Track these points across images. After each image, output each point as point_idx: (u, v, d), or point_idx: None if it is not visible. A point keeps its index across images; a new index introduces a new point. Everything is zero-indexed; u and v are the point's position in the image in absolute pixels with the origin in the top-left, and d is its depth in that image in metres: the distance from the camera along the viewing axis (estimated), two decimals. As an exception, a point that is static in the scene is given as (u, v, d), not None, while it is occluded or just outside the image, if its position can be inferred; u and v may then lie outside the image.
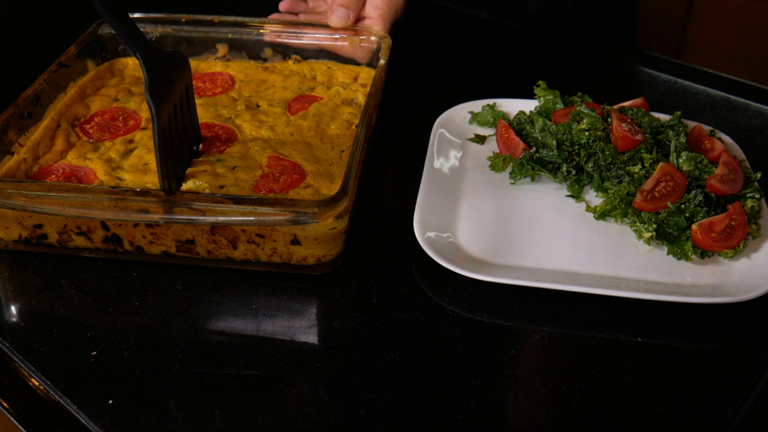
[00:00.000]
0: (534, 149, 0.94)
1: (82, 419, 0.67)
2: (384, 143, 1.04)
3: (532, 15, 1.44)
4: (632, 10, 1.53)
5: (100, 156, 0.89)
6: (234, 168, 0.87)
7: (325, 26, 1.06)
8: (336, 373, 0.71)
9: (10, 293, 0.80)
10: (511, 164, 0.94)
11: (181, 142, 0.85)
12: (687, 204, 0.84)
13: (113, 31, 1.07)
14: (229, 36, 1.09)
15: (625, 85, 1.22)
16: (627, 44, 1.44)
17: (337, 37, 1.06)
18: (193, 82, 1.05)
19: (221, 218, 0.73)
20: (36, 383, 0.70)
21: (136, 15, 1.08)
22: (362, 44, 1.06)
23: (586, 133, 0.92)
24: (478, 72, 1.25)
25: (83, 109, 0.97)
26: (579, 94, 1.03)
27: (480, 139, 1.02)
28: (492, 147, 1.01)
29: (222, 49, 1.10)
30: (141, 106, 0.99)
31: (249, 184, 0.84)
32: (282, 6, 1.13)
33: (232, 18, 1.08)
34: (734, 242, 0.81)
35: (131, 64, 1.08)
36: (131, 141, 0.92)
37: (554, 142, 0.93)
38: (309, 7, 1.14)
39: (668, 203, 0.83)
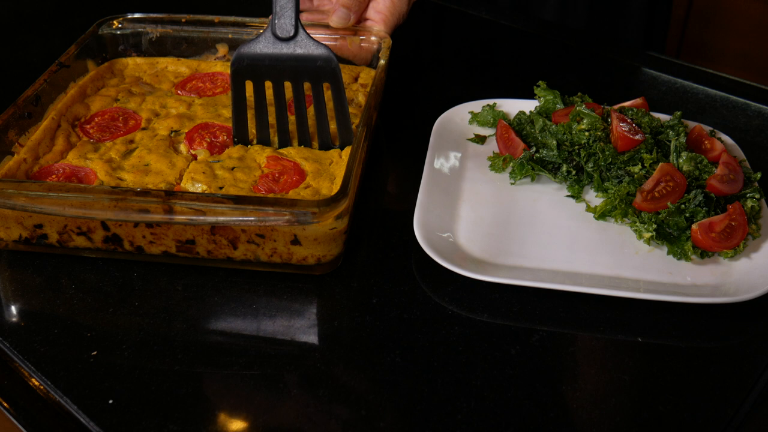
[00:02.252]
0: (534, 149, 0.94)
1: (82, 419, 0.67)
2: (384, 143, 1.04)
3: (545, 20, 1.45)
4: (660, 17, 1.53)
5: (101, 156, 0.89)
6: (233, 169, 0.87)
7: (326, 26, 1.06)
8: (336, 373, 0.71)
9: (10, 293, 0.80)
10: (511, 164, 0.94)
11: (283, 121, 0.90)
12: (687, 204, 0.84)
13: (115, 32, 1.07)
14: (230, 36, 1.09)
15: (625, 85, 1.22)
16: (645, 48, 1.44)
17: (337, 37, 1.06)
18: (193, 83, 1.06)
19: (221, 218, 0.73)
20: (36, 383, 0.70)
21: (136, 15, 1.08)
22: (362, 44, 1.06)
23: (586, 133, 0.92)
24: (478, 72, 1.25)
25: (83, 109, 0.97)
26: (579, 94, 1.03)
27: (480, 139, 1.02)
28: (492, 147, 1.01)
29: (222, 49, 1.10)
30: (141, 107, 0.99)
31: (248, 185, 0.84)
32: None
33: (232, 18, 1.08)
34: (734, 242, 0.81)
35: (131, 64, 1.08)
36: (131, 141, 0.92)
37: (554, 142, 0.93)
38: (314, 5, 1.14)
39: (668, 203, 0.83)
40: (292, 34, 0.87)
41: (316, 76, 0.88)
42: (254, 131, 0.91)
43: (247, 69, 0.88)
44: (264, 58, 0.88)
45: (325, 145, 0.90)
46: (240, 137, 0.91)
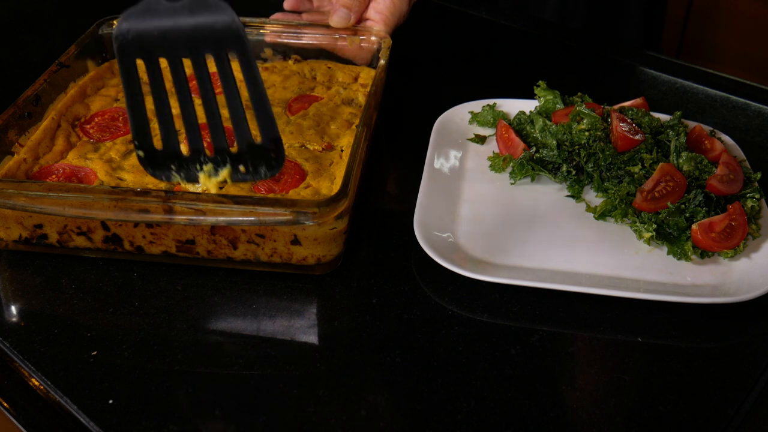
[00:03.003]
0: (534, 149, 0.94)
1: (82, 419, 0.67)
2: (384, 143, 1.04)
3: (545, 20, 1.45)
4: (657, 16, 1.54)
5: (101, 156, 0.89)
6: (234, 168, 0.87)
7: (326, 26, 1.06)
8: (336, 373, 0.71)
9: (10, 293, 0.80)
10: (511, 164, 0.94)
11: (190, 116, 0.71)
12: (687, 204, 0.84)
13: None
14: (230, 36, 1.08)
15: (625, 85, 1.22)
16: (644, 48, 1.44)
17: (338, 37, 1.06)
18: (194, 83, 1.04)
19: (221, 218, 0.73)
20: (36, 383, 0.70)
21: (137, 15, 1.08)
22: (362, 44, 1.06)
23: (586, 133, 0.92)
24: (478, 72, 1.25)
25: (83, 109, 0.97)
26: (579, 94, 1.03)
27: (480, 139, 1.02)
28: (492, 147, 1.01)
29: (222, 49, 1.09)
30: (141, 106, 0.99)
31: (248, 185, 0.84)
32: (287, 4, 1.13)
33: (232, 18, 1.07)
34: (734, 242, 0.81)
35: (131, 64, 1.08)
36: (132, 141, 0.92)
37: (554, 142, 0.93)
38: (314, 6, 1.14)
39: (668, 203, 0.83)
40: None
41: (218, 44, 0.70)
42: (157, 132, 0.72)
43: (135, 44, 0.69)
44: (154, 29, 0.69)
45: (245, 143, 0.71)
46: (142, 141, 0.71)
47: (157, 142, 0.72)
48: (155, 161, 0.72)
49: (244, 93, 0.70)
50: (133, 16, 0.69)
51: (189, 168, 0.72)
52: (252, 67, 0.70)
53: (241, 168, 0.72)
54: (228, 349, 0.73)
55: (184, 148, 0.72)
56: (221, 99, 0.71)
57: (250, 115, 0.71)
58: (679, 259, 0.82)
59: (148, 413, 0.67)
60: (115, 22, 1.07)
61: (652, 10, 1.50)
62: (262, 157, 0.71)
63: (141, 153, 0.72)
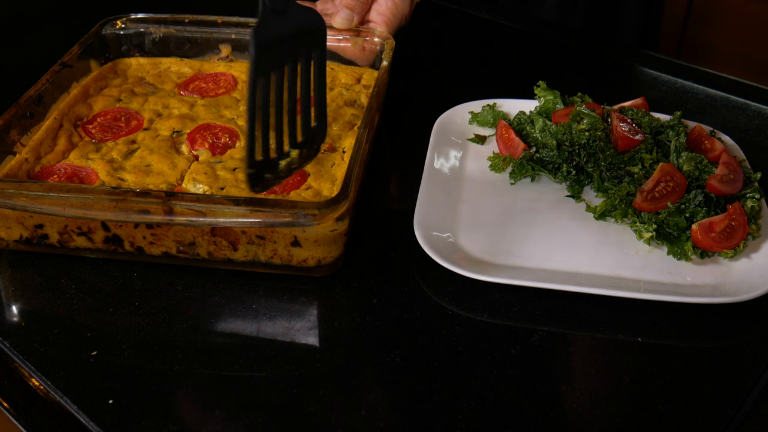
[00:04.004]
0: (534, 149, 0.94)
1: (82, 419, 0.67)
2: (384, 143, 1.04)
3: (545, 20, 1.45)
4: (654, 15, 1.54)
5: (102, 156, 0.89)
6: (234, 169, 0.87)
7: (329, 27, 1.06)
8: (336, 373, 0.71)
9: (10, 293, 0.80)
10: (511, 164, 0.94)
11: (280, 124, 0.74)
12: (687, 204, 0.84)
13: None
14: (233, 36, 1.09)
15: (625, 85, 1.22)
16: (639, 47, 1.44)
17: (340, 38, 1.06)
18: (196, 83, 1.06)
19: (221, 219, 0.73)
20: (36, 383, 0.70)
21: (140, 15, 1.08)
22: (365, 46, 1.06)
23: (586, 134, 0.92)
24: (478, 72, 1.25)
25: (86, 109, 0.97)
26: (579, 94, 1.03)
27: (480, 139, 1.02)
28: (492, 147, 1.01)
29: (225, 49, 1.10)
30: (144, 107, 0.99)
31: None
32: None
33: (235, 18, 1.08)
34: (734, 242, 0.81)
35: (134, 65, 1.08)
36: (133, 141, 0.93)
37: (554, 142, 0.93)
38: (318, 10, 1.14)
39: (668, 203, 0.84)
40: (287, 4, 0.72)
41: (308, 47, 0.74)
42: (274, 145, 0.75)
43: (271, 58, 0.72)
44: (283, 41, 0.72)
45: (306, 133, 0.77)
46: (251, 160, 0.72)
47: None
48: (257, 178, 0.73)
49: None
50: (264, 29, 0.71)
51: (275, 165, 0.76)
52: (324, 72, 0.78)
53: (304, 152, 0.79)
54: (228, 350, 0.73)
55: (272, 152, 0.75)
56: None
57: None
58: (679, 259, 0.82)
59: (148, 413, 0.67)
60: (118, 22, 1.07)
61: (649, 10, 1.50)
62: (313, 140, 0.79)
63: (251, 171, 0.73)
